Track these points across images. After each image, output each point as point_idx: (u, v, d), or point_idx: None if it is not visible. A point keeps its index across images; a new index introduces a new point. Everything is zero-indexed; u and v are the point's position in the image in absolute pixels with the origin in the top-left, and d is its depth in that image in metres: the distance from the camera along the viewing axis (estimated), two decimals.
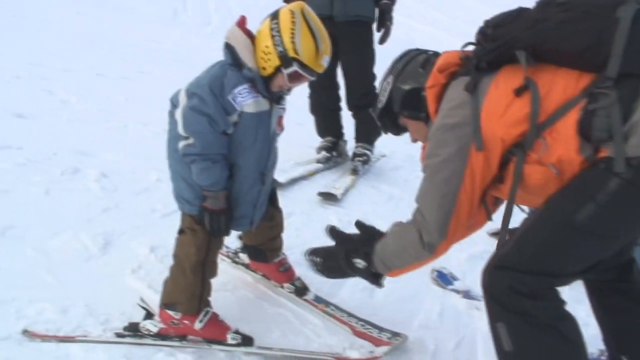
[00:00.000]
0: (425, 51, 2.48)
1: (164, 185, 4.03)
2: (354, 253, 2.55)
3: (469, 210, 2.22)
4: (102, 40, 7.80)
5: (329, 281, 3.28)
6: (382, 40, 4.78)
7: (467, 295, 3.30)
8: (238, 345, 2.67)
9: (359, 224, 2.66)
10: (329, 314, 3.01)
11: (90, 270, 3.08)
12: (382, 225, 3.93)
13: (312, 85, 4.88)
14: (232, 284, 3.17)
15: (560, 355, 2.10)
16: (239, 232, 3.16)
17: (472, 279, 3.20)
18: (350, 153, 5.09)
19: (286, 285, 3.15)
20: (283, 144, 2.92)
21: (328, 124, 5.06)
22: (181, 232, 2.72)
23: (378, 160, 5.23)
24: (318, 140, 5.08)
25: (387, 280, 3.38)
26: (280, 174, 4.07)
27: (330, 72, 4.73)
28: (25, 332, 2.56)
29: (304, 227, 3.84)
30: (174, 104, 2.62)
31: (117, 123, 5.11)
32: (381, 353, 2.71)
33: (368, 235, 2.60)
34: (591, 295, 2.44)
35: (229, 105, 2.52)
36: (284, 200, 3.21)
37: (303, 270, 3.15)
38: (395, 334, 2.86)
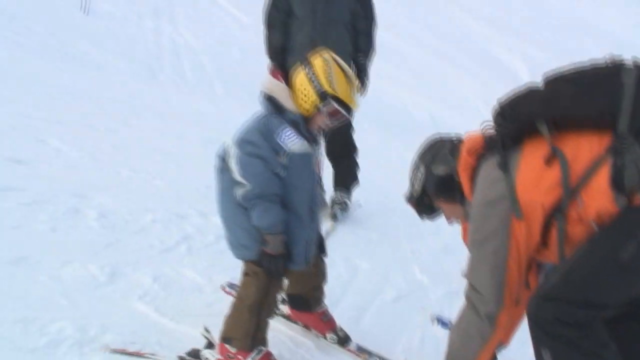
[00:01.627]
0: (449, 137, 2.72)
1: (158, 225, 4.36)
2: None
3: (518, 278, 2.38)
4: (86, 96, 8.10)
5: None
6: (360, 94, 5.20)
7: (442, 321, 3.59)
8: None
9: None
10: None
11: (101, 296, 3.33)
12: (365, 266, 4.30)
13: None
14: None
15: None
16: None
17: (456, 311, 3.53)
18: (328, 200, 5.41)
19: (329, 335, 3.26)
20: None
21: None
22: (245, 274, 2.90)
23: (355, 210, 5.57)
24: None
25: (372, 311, 3.71)
26: None
27: None
28: (109, 348, 2.85)
29: None
30: (222, 157, 2.83)
31: (110, 170, 5.39)
32: None
33: None
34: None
35: (278, 147, 2.74)
36: None
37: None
38: None
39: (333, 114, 2.81)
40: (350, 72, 2.87)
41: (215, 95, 9.81)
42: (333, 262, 4.32)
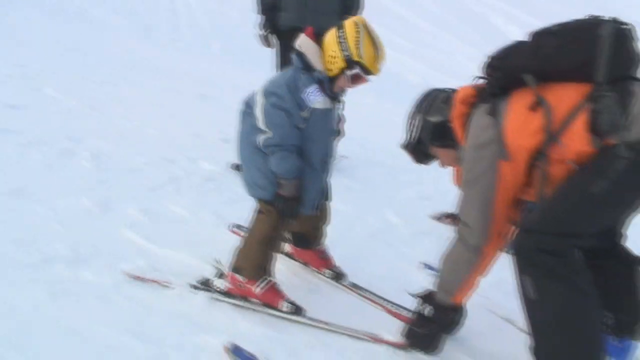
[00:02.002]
0: (444, 89, 2.90)
1: (148, 167, 4.63)
2: (419, 312, 2.89)
3: (504, 214, 2.62)
4: (82, 49, 8.30)
5: None
6: None
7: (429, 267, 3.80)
8: (289, 313, 3.01)
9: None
10: (363, 297, 3.32)
11: (93, 224, 3.60)
12: (342, 208, 4.53)
13: None
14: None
15: (576, 302, 2.46)
16: None
17: (421, 249, 3.84)
18: None
19: (326, 271, 3.45)
20: None
21: None
22: (259, 212, 3.11)
23: (340, 161, 5.79)
24: None
25: (343, 245, 3.94)
26: None
27: None
28: (128, 274, 3.10)
29: None
30: (249, 104, 3.01)
31: (103, 117, 5.63)
32: None
33: None
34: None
35: (302, 102, 2.90)
36: None
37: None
38: None
39: (356, 79, 2.94)
40: (379, 40, 2.96)
41: (211, 53, 9.97)
42: None
